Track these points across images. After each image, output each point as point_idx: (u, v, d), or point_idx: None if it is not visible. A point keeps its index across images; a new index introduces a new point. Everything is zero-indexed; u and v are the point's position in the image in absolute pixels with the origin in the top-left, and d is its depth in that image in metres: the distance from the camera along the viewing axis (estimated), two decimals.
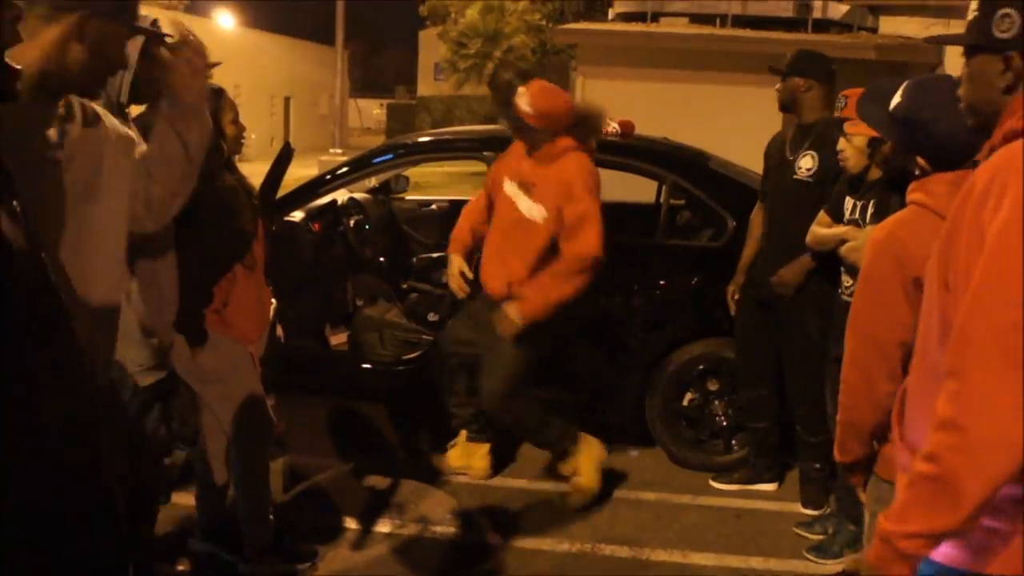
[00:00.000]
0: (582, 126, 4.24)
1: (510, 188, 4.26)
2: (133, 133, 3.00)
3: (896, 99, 2.36)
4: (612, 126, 5.12)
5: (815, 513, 4.30)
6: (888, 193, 3.54)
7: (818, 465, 4.28)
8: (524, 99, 4.12)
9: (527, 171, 4.21)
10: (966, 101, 1.75)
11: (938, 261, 1.68)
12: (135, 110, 3.21)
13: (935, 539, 1.56)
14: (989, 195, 1.53)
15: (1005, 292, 1.47)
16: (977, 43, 1.69)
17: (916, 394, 1.77)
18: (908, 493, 1.57)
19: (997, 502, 1.52)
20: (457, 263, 4.41)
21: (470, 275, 4.37)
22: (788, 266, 4.14)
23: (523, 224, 4.17)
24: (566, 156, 4.15)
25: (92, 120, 2.22)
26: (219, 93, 3.41)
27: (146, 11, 3.03)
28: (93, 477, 1.29)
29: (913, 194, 2.35)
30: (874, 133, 3.24)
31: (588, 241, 4.05)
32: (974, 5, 1.70)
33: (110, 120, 2.32)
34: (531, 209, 4.15)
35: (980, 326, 1.48)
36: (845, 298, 3.79)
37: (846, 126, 3.74)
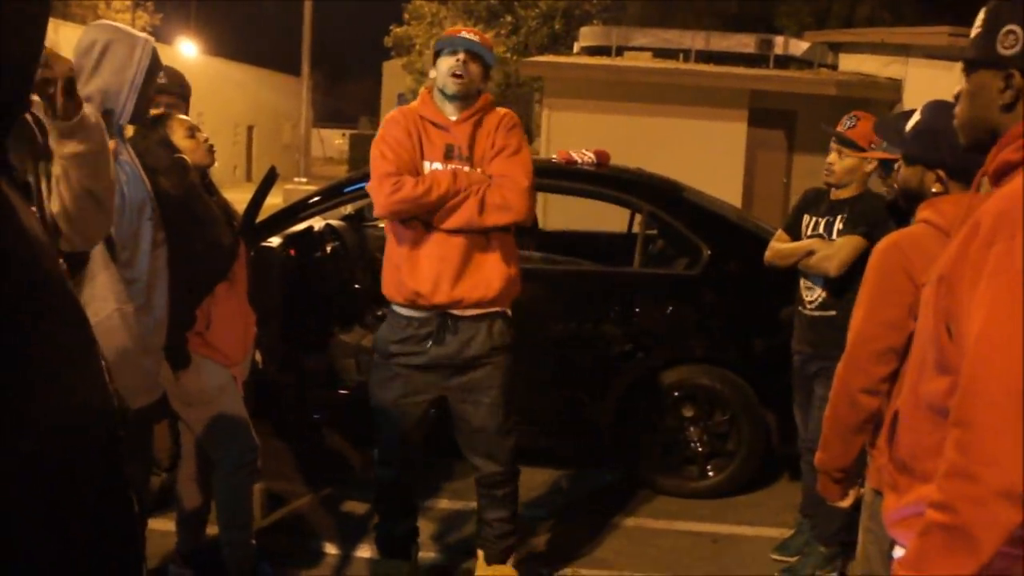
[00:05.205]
0: None
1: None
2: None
3: (915, 118, 2.54)
4: (587, 156, 5.23)
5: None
6: (864, 209, 3.76)
7: None
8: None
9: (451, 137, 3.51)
10: (961, 119, 1.75)
11: (936, 295, 1.65)
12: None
13: None
14: (998, 237, 1.50)
15: (1013, 343, 1.45)
16: (979, 59, 1.69)
17: (908, 418, 1.76)
18: (923, 542, 1.55)
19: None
20: None
21: None
22: None
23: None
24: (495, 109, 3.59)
25: None
26: (158, 120, 3.34)
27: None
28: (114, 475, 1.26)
29: (923, 212, 2.47)
30: (892, 156, 3.41)
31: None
32: (979, 20, 1.70)
33: None
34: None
35: (988, 378, 1.46)
36: (809, 313, 3.89)
37: (866, 152, 3.75)
